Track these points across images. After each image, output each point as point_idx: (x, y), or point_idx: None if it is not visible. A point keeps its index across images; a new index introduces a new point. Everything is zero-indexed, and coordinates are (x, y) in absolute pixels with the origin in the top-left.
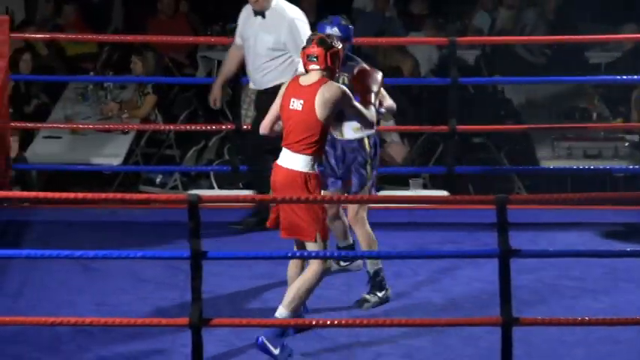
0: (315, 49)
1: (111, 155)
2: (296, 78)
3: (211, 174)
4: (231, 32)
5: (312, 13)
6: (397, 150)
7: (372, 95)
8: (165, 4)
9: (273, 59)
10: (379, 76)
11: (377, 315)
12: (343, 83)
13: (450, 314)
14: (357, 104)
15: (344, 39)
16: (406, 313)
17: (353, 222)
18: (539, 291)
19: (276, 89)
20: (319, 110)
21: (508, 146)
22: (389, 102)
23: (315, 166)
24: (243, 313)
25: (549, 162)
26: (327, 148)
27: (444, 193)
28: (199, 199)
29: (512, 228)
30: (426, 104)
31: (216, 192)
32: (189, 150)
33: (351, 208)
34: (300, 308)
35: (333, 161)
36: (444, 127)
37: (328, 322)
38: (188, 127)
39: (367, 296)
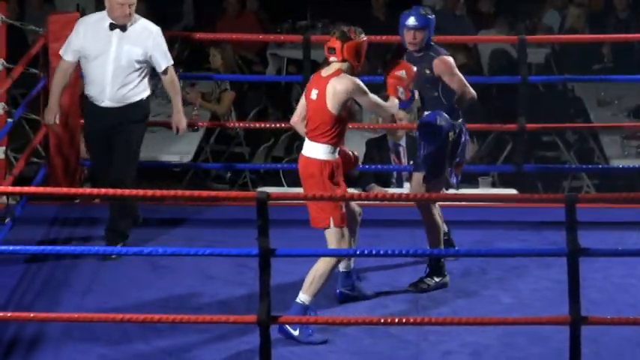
0: (333, 42)
1: (181, 152)
2: (320, 70)
3: (280, 172)
4: (301, 30)
5: (382, 11)
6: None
7: (399, 88)
8: (231, 3)
9: (136, 71)
10: (414, 69)
11: (445, 313)
12: (423, 73)
13: (518, 313)
14: (372, 96)
15: (421, 28)
16: (474, 311)
17: (417, 205)
18: (607, 290)
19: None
20: (329, 101)
21: (577, 145)
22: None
23: (332, 154)
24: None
25: (618, 160)
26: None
27: (512, 191)
28: (268, 196)
29: (581, 227)
30: (496, 102)
31: (286, 189)
32: (259, 147)
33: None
34: (318, 292)
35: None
36: (512, 126)
37: (397, 320)
38: (258, 124)
39: (425, 279)
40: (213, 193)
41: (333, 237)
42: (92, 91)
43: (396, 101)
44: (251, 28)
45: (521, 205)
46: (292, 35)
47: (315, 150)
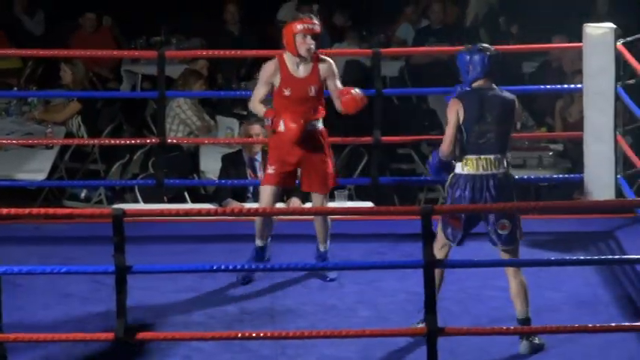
0: None
1: (35, 170)
2: None
3: (136, 188)
4: (155, 46)
5: (236, 26)
6: None
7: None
8: (88, 19)
9: None
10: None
11: (302, 327)
12: None
13: (376, 325)
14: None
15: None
16: (332, 324)
17: None
18: (464, 301)
19: None
20: None
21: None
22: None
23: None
24: (168, 327)
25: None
26: None
27: (369, 204)
28: (124, 213)
29: None
30: (351, 115)
31: (141, 206)
32: (114, 164)
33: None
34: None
35: None
36: (368, 139)
37: (254, 334)
38: (112, 141)
39: None
40: (68, 211)
41: (325, 200)
42: None
43: (259, 112)
44: (106, 45)
45: (378, 217)
46: (146, 51)
47: None
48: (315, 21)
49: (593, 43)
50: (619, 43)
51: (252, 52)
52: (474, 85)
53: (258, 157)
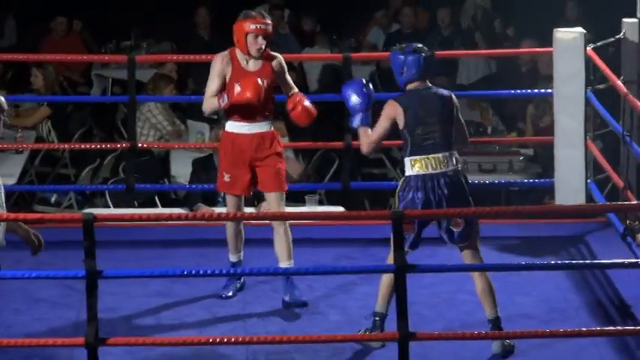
0: None
1: (4, 175)
2: None
3: (106, 193)
4: (125, 50)
5: (207, 31)
6: (292, 166)
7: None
8: (58, 23)
9: None
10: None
11: (273, 332)
12: None
13: (347, 330)
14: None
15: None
16: (302, 329)
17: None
18: (437, 306)
19: None
20: None
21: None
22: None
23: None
24: (138, 332)
25: None
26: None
27: (340, 209)
28: (94, 217)
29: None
30: (322, 120)
31: (112, 210)
32: (84, 169)
33: None
34: None
35: None
36: (339, 143)
37: (225, 340)
38: (83, 145)
39: None
40: (38, 215)
41: (282, 200)
42: None
43: (212, 104)
44: (76, 49)
45: (349, 222)
46: (117, 55)
47: None
48: (268, 20)
49: (563, 47)
50: (589, 48)
51: None
52: (410, 86)
53: None
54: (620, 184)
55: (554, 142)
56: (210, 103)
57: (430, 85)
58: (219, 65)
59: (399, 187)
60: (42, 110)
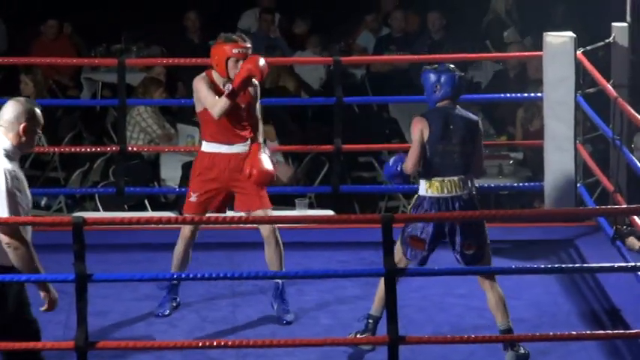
0: None
1: None
2: None
3: (96, 196)
4: (115, 53)
5: (197, 34)
6: (282, 170)
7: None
8: (49, 27)
9: None
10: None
11: (264, 335)
12: None
13: (337, 334)
14: (203, 95)
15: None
16: (293, 333)
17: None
18: (426, 309)
19: None
20: None
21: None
22: None
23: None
24: (128, 336)
25: None
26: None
27: (329, 212)
28: (84, 221)
29: None
30: (312, 123)
31: (102, 214)
32: (74, 172)
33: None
34: None
35: None
36: (329, 147)
37: (215, 343)
38: (73, 149)
39: None
40: (28, 218)
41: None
42: None
43: (221, 101)
44: (66, 53)
45: (339, 226)
46: (107, 59)
47: None
48: (248, 44)
49: (553, 52)
50: (579, 52)
51: None
52: (440, 104)
53: None
54: (610, 187)
55: (544, 146)
56: (217, 104)
57: (458, 107)
58: (204, 83)
59: (411, 204)
60: None
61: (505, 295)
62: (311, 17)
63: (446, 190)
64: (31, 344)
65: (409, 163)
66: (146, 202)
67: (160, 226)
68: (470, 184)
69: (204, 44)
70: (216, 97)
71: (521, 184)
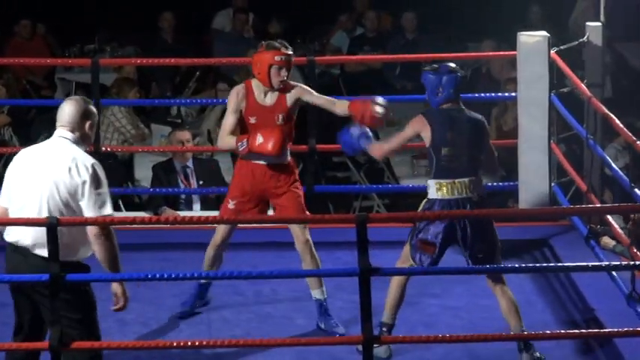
0: None
1: None
2: None
3: None
4: (89, 53)
5: (171, 35)
6: None
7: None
8: (22, 27)
9: None
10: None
11: (238, 335)
12: None
13: (312, 333)
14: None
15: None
16: (267, 333)
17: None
18: (401, 309)
19: None
20: None
21: (367, 165)
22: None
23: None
24: (103, 336)
25: (408, 180)
26: None
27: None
28: (58, 221)
29: (372, 246)
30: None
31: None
32: None
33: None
34: None
35: None
36: (303, 147)
37: (189, 343)
38: None
39: None
40: (2, 219)
41: (305, 228)
42: None
43: (228, 144)
44: (40, 53)
45: (313, 225)
46: (80, 59)
47: None
48: (290, 51)
49: (527, 51)
50: (553, 52)
51: (186, 60)
52: (444, 106)
53: (190, 163)
54: (584, 187)
55: (517, 146)
56: (226, 142)
57: (463, 107)
58: (234, 100)
59: (421, 206)
60: (1, 118)
61: (479, 295)
62: (285, 17)
63: (456, 192)
64: (7, 345)
65: (382, 149)
66: (120, 202)
67: (134, 226)
68: (480, 186)
69: (178, 44)
70: (231, 130)
71: (495, 184)
